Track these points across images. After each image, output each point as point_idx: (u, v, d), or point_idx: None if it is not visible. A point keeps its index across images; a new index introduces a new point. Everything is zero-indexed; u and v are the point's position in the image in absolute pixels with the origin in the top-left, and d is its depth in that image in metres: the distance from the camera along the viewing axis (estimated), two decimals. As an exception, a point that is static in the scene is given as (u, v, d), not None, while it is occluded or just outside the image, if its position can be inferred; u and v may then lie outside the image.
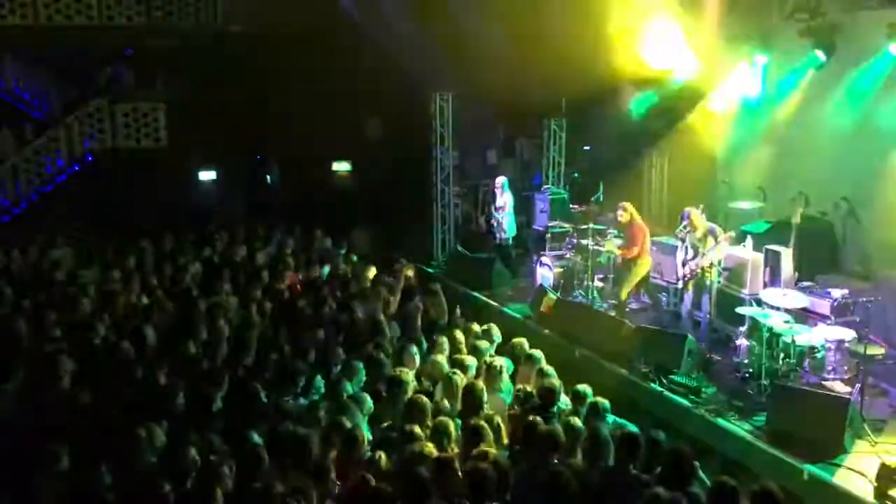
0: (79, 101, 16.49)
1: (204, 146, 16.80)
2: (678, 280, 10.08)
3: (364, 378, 7.26)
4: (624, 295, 10.84)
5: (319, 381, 6.91)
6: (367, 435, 6.07)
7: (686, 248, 9.77)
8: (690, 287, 9.86)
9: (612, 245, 11.14)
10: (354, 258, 12.74)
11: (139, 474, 5.47)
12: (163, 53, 16.43)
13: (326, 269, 11.92)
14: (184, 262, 11.67)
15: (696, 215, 9.68)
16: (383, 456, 5.54)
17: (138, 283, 10.52)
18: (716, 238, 9.45)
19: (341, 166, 18.65)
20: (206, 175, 17.76)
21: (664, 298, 11.29)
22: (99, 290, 10.25)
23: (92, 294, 9.97)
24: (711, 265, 9.51)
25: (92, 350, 8.11)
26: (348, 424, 5.95)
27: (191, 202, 16.77)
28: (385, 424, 6.34)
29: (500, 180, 13.79)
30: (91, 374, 7.40)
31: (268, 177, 19.03)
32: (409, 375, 7.15)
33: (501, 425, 6.07)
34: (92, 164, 16.27)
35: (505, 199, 13.55)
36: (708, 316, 9.66)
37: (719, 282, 9.74)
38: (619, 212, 10.70)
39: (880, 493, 6.43)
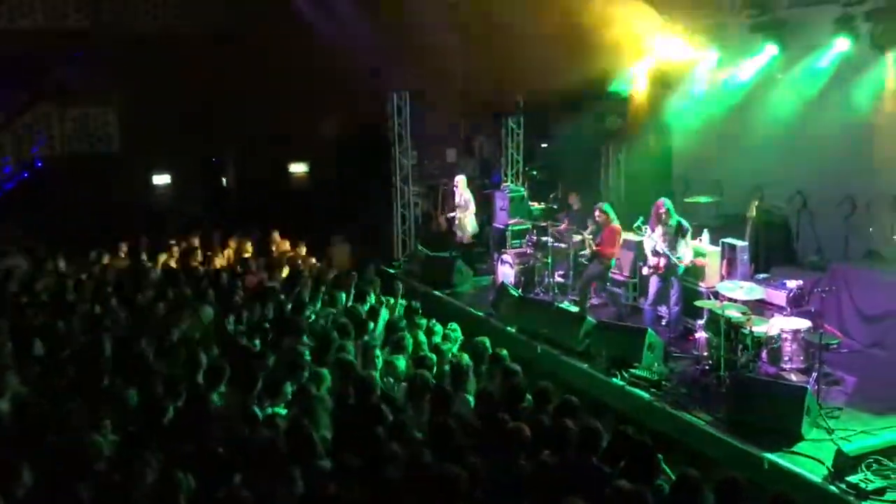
0: (26, 105, 16.07)
1: (157, 150, 16.49)
2: (650, 270, 9.81)
3: (330, 381, 7.19)
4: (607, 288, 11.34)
5: (288, 388, 6.85)
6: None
7: (656, 238, 9.58)
8: (655, 281, 9.80)
9: (585, 236, 11.48)
10: (313, 260, 12.62)
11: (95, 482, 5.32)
12: (113, 56, 16.09)
13: (286, 271, 11.81)
14: (140, 269, 11.46)
15: (671, 206, 9.68)
16: (350, 457, 5.49)
17: (91, 293, 10.30)
18: (686, 235, 9.53)
19: (298, 168, 18.50)
20: (161, 179, 17.45)
21: (622, 293, 11.38)
22: (53, 299, 10.01)
23: (46, 303, 9.74)
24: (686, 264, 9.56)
25: (45, 360, 7.90)
26: (311, 428, 5.89)
27: (145, 207, 16.46)
28: (350, 426, 6.28)
29: (460, 179, 13.80)
30: (46, 386, 7.21)
31: (223, 180, 18.78)
32: (373, 377, 7.10)
33: (469, 424, 6.05)
34: (41, 170, 15.87)
35: (465, 197, 13.55)
36: (677, 308, 9.68)
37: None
38: (597, 212, 10.97)
39: (837, 479, 6.56)
